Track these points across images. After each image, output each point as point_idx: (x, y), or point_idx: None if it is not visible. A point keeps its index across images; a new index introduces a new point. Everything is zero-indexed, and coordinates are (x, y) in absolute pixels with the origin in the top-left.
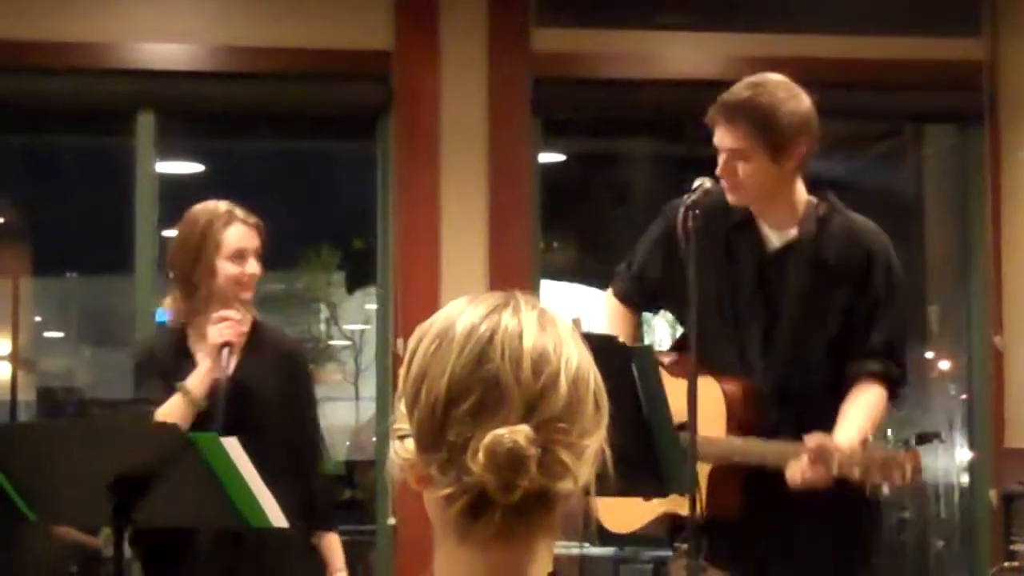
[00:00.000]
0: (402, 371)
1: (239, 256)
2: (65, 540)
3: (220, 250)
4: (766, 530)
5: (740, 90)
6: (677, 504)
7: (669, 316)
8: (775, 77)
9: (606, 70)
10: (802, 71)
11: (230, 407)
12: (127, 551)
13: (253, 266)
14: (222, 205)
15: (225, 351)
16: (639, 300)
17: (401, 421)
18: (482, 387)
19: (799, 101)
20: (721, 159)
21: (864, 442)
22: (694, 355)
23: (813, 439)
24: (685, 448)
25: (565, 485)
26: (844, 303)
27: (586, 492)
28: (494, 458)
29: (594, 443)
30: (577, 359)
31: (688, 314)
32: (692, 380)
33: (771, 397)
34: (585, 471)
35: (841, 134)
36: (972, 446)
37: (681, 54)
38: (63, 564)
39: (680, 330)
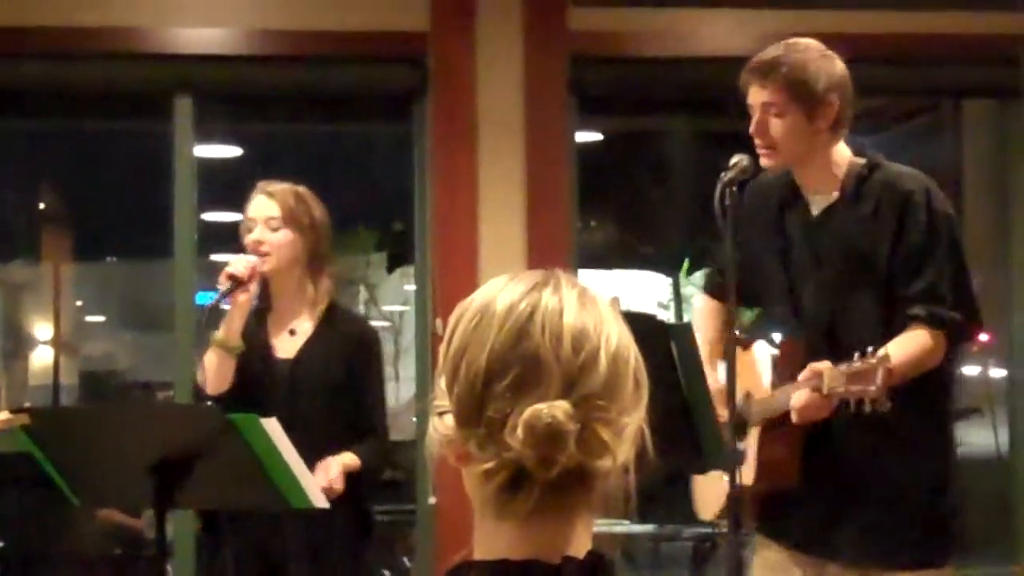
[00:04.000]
0: (442, 347)
1: (251, 225)
2: (109, 523)
3: (244, 224)
4: (824, 502)
5: (772, 50)
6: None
7: None
8: (806, 39)
9: (643, 48)
10: (839, 46)
11: (287, 386)
12: (170, 532)
13: (260, 232)
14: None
15: (226, 284)
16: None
17: (441, 397)
18: (522, 363)
19: (831, 60)
20: (755, 118)
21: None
22: (730, 333)
23: (808, 367)
24: (727, 423)
25: (604, 463)
26: (887, 253)
27: (626, 470)
28: (533, 433)
29: (634, 421)
30: (617, 337)
31: (741, 291)
32: (730, 353)
33: (821, 354)
34: (624, 449)
35: (878, 108)
36: (1012, 420)
37: (719, 31)
38: (107, 546)
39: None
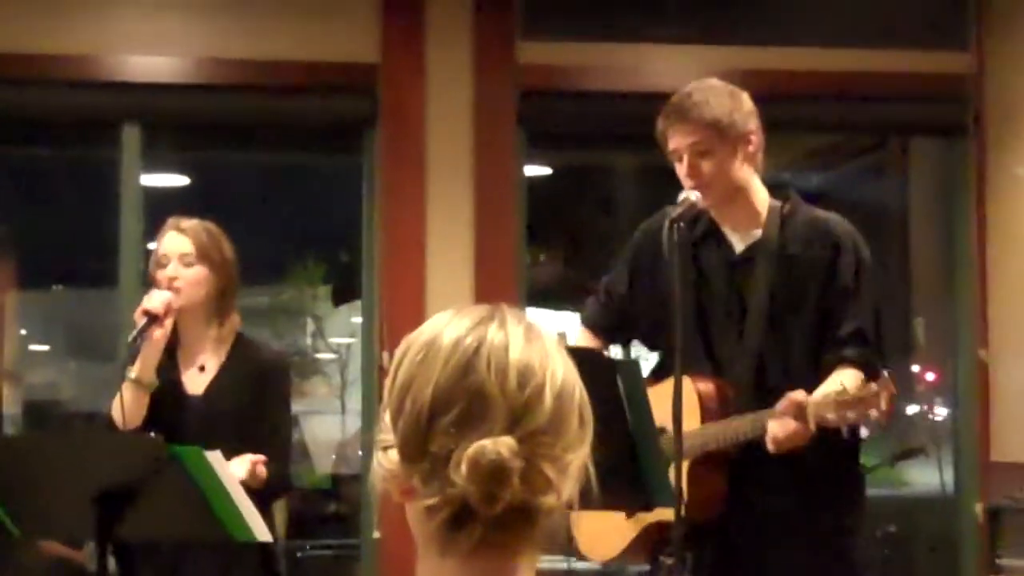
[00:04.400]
0: (387, 382)
1: (164, 261)
2: (50, 555)
3: (156, 260)
4: (747, 540)
5: (683, 94)
6: (656, 515)
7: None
8: (709, 79)
9: (592, 83)
10: (788, 83)
11: (199, 421)
12: (111, 564)
13: (173, 269)
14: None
15: (143, 320)
16: (606, 325)
17: (385, 432)
18: (467, 398)
19: (739, 94)
20: (684, 161)
21: (838, 391)
22: (678, 366)
23: (786, 397)
24: (669, 456)
25: (548, 500)
26: (816, 295)
27: (569, 507)
28: (477, 469)
29: (578, 458)
30: (563, 373)
31: (668, 325)
32: (676, 393)
33: (748, 391)
34: (568, 486)
35: (826, 146)
36: (957, 460)
37: (667, 67)
38: None
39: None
